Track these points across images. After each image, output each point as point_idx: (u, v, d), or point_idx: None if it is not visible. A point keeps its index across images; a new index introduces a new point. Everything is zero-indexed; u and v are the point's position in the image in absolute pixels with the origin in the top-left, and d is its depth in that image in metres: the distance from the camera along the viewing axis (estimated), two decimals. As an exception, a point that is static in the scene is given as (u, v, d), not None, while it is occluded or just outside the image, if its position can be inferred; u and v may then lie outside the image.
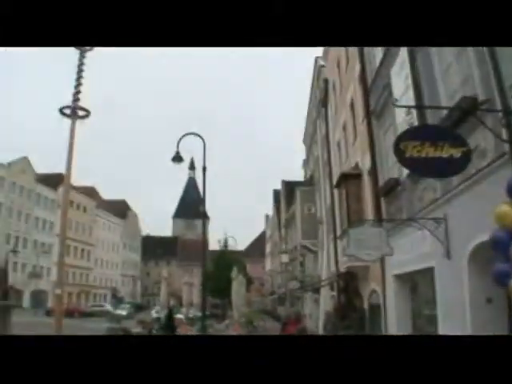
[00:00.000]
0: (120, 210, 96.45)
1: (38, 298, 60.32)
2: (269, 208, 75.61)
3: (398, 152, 6.07)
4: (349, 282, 18.35)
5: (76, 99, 31.70)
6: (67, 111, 31.71)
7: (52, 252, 64.18)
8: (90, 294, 77.32)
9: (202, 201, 24.88)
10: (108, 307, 57.69)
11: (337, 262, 20.76)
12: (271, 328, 27.07)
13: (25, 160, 65.02)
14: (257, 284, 61.49)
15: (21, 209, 63.30)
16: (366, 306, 16.30)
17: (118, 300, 78.23)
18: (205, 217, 22.07)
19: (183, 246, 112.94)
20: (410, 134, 6.27)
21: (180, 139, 18.48)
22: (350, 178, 16.59)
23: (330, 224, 23.17)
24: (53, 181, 67.48)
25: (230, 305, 41.88)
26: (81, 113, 32.18)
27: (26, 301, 58.02)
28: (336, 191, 19.47)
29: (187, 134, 18.96)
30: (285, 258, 43.42)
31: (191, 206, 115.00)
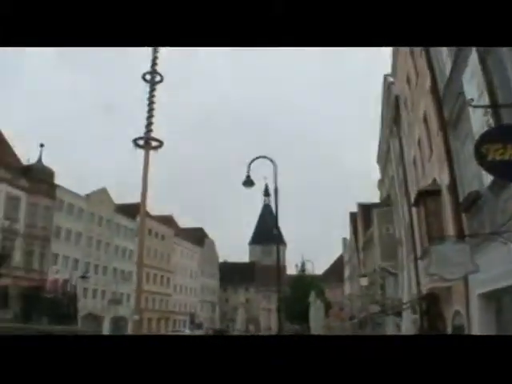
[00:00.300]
0: (197, 237, 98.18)
1: (118, 324, 61.53)
2: (345, 232, 74.32)
3: (480, 156, 5.68)
4: (431, 304, 17.57)
5: (149, 130, 32.66)
6: (140, 142, 32.67)
7: (132, 279, 65.98)
8: (169, 320, 78.59)
9: (276, 224, 24.74)
10: (187, 332, 58.08)
11: (418, 284, 19.90)
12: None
13: (103, 191, 67.45)
14: (336, 309, 60.13)
15: (100, 238, 65.34)
16: (449, 328, 15.49)
17: (196, 325, 79.13)
18: (280, 242, 21.89)
19: (260, 271, 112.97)
20: (491, 136, 5.83)
21: (250, 163, 18.31)
22: (428, 195, 15.86)
23: (409, 244, 22.45)
24: (131, 210, 69.36)
25: (308, 330, 41.26)
26: (154, 143, 33.09)
27: (106, 327, 59.20)
28: (414, 210, 18.78)
29: (257, 158, 18.80)
30: (364, 282, 42.26)
31: (267, 231, 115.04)
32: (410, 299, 21.87)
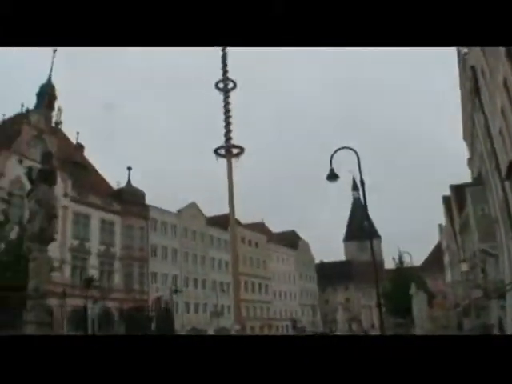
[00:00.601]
0: (291, 240, 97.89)
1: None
2: (439, 217, 71.54)
3: None
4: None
5: (228, 138, 32.77)
6: (222, 151, 32.86)
7: (230, 290, 66.68)
8: (272, 327, 78.62)
9: (367, 217, 23.95)
10: None
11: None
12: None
13: (193, 205, 68.70)
14: (439, 298, 57.94)
15: (196, 252, 66.57)
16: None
17: (299, 330, 78.83)
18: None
19: (358, 268, 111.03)
20: None
21: (332, 155, 17.72)
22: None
23: (506, 221, 21.07)
24: (222, 221, 70.40)
25: (412, 323, 39.98)
26: (235, 150, 33.16)
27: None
28: (507, 184, 17.62)
29: (340, 149, 18.19)
30: (464, 267, 40.31)
31: (360, 227, 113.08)
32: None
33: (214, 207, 72.54)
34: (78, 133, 60.42)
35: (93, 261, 48.91)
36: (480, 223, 28.76)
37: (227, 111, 32.31)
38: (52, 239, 12.76)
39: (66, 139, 56.90)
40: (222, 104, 32.45)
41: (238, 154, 31.56)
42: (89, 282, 40.34)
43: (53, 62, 55.29)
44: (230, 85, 32.71)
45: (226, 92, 32.28)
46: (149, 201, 59.61)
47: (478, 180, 30.96)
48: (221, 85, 32.98)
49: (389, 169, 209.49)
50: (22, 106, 48.49)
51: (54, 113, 53.62)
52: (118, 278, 51.28)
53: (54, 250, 40.63)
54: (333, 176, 17.25)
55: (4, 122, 52.70)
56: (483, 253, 29.21)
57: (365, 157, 18.25)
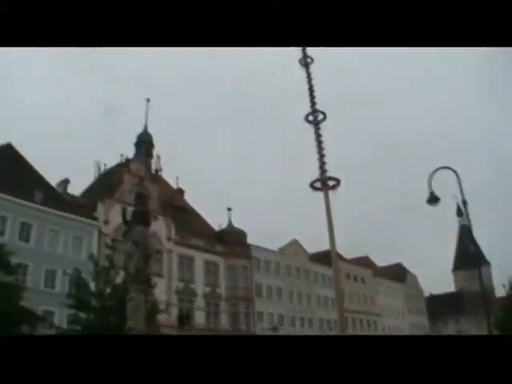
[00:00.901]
0: (397, 274, 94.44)
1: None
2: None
3: None
4: None
5: (323, 170, 31.70)
6: (317, 184, 31.68)
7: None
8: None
9: (473, 241, 22.02)
10: None
11: None
12: None
13: (295, 242, 67.79)
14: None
15: (300, 290, 65.25)
16: None
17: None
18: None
19: (468, 298, 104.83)
20: None
21: (430, 177, 16.28)
22: None
23: None
24: (325, 258, 68.82)
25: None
26: (331, 183, 31.85)
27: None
28: None
29: (438, 170, 16.69)
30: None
31: (469, 255, 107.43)
32: None
33: (314, 243, 70.58)
34: (177, 177, 62.09)
35: (199, 302, 48.95)
36: None
37: (319, 143, 31.16)
38: (148, 279, 12.27)
39: (166, 184, 58.47)
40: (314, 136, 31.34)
41: (334, 187, 30.14)
42: (182, 320, 40.25)
43: (147, 111, 57.62)
44: (320, 116, 31.63)
45: (316, 124, 31.23)
46: (250, 240, 59.52)
47: None
48: (310, 117, 31.94)
49: (490, 189, 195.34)
50: (122, 155, 50.17)
51: (153, 160, 55.43)
52: (224, 319, 50.86)
53: (160, 292, 41.63)
54: (433, 199, 15.66)
55: (106, 172, 54.83)
56: None
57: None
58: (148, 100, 58.13)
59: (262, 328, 54.15)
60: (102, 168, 58.03)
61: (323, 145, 30.21)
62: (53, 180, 46.26)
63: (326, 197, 30.31)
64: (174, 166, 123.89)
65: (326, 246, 70.70)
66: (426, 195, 16.18)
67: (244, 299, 54.13)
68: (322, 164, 30.67)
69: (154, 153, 57.39)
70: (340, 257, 77.21)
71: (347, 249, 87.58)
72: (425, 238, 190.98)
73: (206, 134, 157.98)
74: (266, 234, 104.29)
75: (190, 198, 62.56)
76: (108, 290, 24.12)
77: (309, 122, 32.54)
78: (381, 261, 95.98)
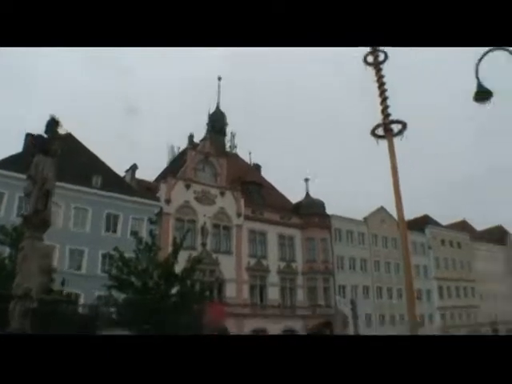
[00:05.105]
0: (497, 236, 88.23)
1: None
2: None
3: None
4: None
5: (386, 114, 28.38)
6: (380, 131, 28.34)
7: (432, 297, 63.35)
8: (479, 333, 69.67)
9: None
10: None
11: None
12: None
13: (381, 210, 64.03)
14: None
15: (388, 260, 61.74)
16: None
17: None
18: None
19: None
20: None
21: (480, 60, 13.38)
22: None
23: None
24: (417, 224, 66.56)
25: None
26: (396, 127, 28.30)
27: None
28: None
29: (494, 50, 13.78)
30: None
31: None
32: None
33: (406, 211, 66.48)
34: (250, 153, 61.92)
35: (272, 278, 47.65)
36: None
37: (381, 85, 27.95)
38: (46, 223, 10.45)
39: (239, 161, 57.95)
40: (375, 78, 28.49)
41: (400, 132, 26.61)
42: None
43: (219, 92, 58.13)
44: (381, 57, 28.58)
45: (376, 65, 28.33)
46: (330, 211, 57.05)
47: None
48: (370, 58, 29.05)
49: None
50: (192, 136, 49.83)
51: (227, 138, 55.82)
52: (300, 294, 49.41)
53: (229, 270, 40.98)
54: (482, 93, 11.38)
55: (178, 154, 55.41)
56: None
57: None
58: (219, 78, 58.93)
59: (339, 300, 51.71)
60: (176, 151, 58.82)
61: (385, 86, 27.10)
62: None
63: (390, 144, 26.44)
64: (251, 143, 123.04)
65: (418, 213, 67.66)
66: None
67: (323, 272, 51.62)
68: (385, 108, 27.09)
69: (229, 130, 57.50)
70: (435, 222, 73.36)
71: (442, 213, 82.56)
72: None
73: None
74: (351, 206, 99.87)
75: (267, 173, 61.56)
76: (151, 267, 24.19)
77: (367, 63, 29.46)
78: (479, 225, 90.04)
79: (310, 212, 53.71)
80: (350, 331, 46.36)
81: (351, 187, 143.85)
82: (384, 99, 29.56)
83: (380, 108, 29.84)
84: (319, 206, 55.73)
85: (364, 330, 48.70)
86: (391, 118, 29.44)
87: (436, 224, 74.58)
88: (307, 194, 56.15)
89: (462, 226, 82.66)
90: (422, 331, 56.02)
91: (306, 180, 56.76)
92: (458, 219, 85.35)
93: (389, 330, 54.55)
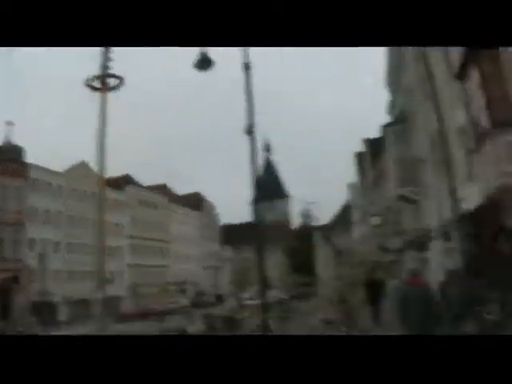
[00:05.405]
0: (194, 202, 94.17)
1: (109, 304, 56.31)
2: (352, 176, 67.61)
3: None
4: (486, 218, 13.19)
5: (105, 66, 25.79)
6: (95, 84, 25.46)
7: (121, 254, 63.48)
8: (169, 292, 72.44)
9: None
10: (185, 303, 56.66)
11: (456, 202, 15.11)
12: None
13: (84, 165, 60.79)
14: (346, 255, 56.23)
15: (84, 215, 58.71)
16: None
17: (198, 294, 75.78)
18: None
19: (265, 228, 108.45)
20: None
21: None
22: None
23: (436, 159, 18.29)
24: (119, 183, 65.85)
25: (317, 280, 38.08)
26: (112, 82, 25.68)
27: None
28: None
29: None
30: (375, 221, 37.63)
31: (268, 188, 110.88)
32: (443, 224, 17.86)
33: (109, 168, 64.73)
34: None
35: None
36: (400, 166, 25.68)
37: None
38: None
39: None
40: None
41: (115, 87, 24.33)
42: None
43: None
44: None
45: None
46: (32, 159, 52.43)
47: (401, 118, 27.40)
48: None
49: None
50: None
51: None
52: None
53: None
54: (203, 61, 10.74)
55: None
56: (401, 199, 25.75)
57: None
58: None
59: (27, 254, 48.13)
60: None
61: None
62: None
63: (104, 97, 23.54)
64: None
65: (124, 172, 66.77)
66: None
67: (13, 224, 47.25)
68: (106, 59, 24.23)
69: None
70: (134, 182, 73.63)
71: (143, 173, 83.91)
72: (225, 169, 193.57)
73: None
74: (56, 157, 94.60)
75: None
76: None
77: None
78: (180, 190, 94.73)
79: (7, 157, 48.51)
80: (37, 287, 43.97)
81: (58, 138, 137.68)
82: (107, 51, 26.51)
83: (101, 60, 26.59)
84: (18, 152, 50.71)
85: (52, 286, 47.67)
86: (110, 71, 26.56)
87: (137, 185, 75.11)
88: (6, 139, 50.16)
89: (163, 190, 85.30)
90: (110, 287, 55.61)
91: (9, 124, 50.48)
92: (161, 182, 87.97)
93: (79, 286, 52.88)
